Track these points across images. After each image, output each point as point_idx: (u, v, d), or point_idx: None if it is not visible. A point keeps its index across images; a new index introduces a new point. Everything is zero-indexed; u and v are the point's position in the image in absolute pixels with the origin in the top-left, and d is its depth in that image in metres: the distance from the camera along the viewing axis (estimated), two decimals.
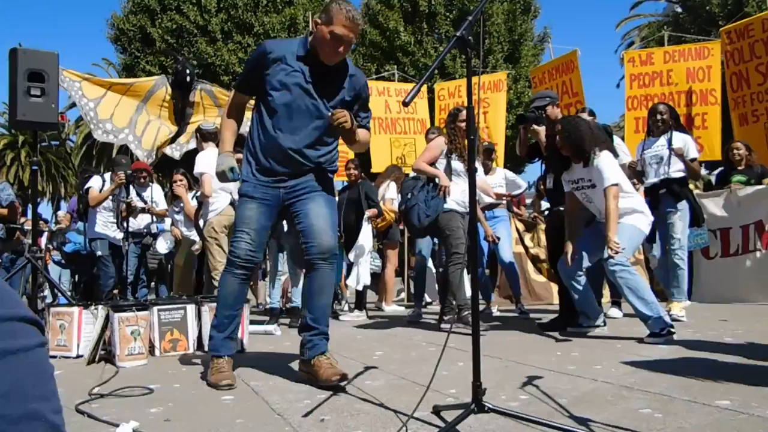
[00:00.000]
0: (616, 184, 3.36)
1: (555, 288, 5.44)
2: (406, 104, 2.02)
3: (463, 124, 3.93)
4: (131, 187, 5.17)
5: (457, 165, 4.04)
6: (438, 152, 4.07)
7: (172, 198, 5.75)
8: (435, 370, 1.85)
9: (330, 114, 2.37)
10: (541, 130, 4.00)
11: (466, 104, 1.88)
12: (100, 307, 3.36)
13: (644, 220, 3.51)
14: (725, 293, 5.21)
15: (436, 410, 1.86)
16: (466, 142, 3.73)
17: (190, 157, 5.94)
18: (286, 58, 2.40)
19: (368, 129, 2.66)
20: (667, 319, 3.26)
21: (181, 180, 5.53)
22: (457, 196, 3.98)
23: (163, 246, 5.40)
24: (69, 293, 5.78)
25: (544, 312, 5.10)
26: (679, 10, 19.46)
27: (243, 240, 2.47)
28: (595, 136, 3.51)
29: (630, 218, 3.45)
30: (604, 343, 3.35)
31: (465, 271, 4.03)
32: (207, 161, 4.52)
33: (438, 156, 4.06)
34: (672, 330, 3.20)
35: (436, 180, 4.01)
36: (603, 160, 3.41)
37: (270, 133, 2.43)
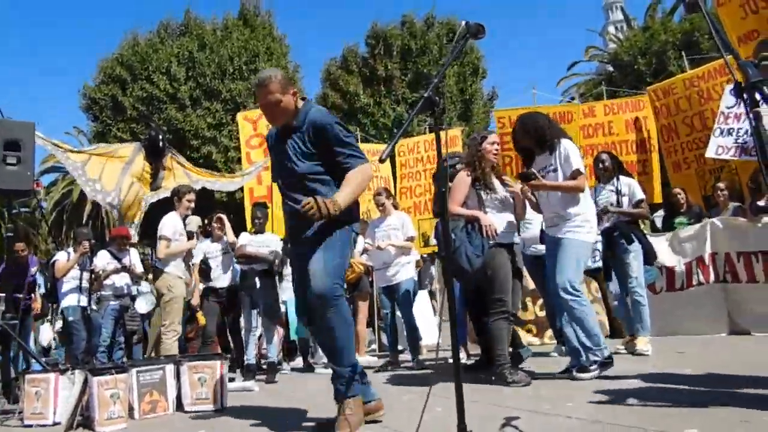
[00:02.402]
0: (582, 173, 3.46)
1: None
2: (382, 161, 2.27)
3: (493, 147, 3.80)
4: (108, 251, 5.17)
5: (486, 195, 3.75)
6: (465, 188, 3.73)
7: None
8: (421, 417, 1.92)
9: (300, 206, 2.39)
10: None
11: (432, 158, 2.10)
12: (77, 371, 3.31)
13: (589, 232, 3.53)
14: (671, 325, 5.46)
15: None
16: (490, 167, 3.78)
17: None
18: None
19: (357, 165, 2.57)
20: (605, 353, 3.32)
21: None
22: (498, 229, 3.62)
23: (143, 306, 5.33)
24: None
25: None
26: (611, 68, 21.30)
27: None
28: (554, 126, 3.67)
29: (575, 233, 3.46)
30: (570, 381, 3.36)
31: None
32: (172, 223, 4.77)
33: (467, 191, 3.74)
34: (607, 362, 3.28)
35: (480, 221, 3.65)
36: (569, 146, 3.52)
37: None
